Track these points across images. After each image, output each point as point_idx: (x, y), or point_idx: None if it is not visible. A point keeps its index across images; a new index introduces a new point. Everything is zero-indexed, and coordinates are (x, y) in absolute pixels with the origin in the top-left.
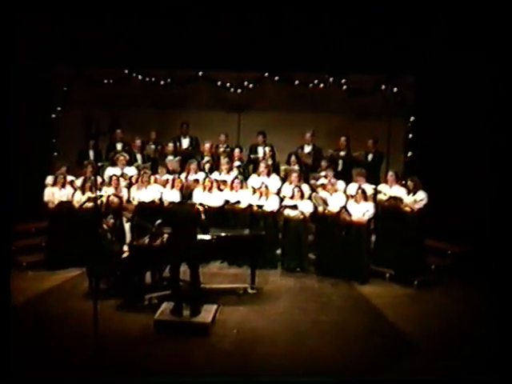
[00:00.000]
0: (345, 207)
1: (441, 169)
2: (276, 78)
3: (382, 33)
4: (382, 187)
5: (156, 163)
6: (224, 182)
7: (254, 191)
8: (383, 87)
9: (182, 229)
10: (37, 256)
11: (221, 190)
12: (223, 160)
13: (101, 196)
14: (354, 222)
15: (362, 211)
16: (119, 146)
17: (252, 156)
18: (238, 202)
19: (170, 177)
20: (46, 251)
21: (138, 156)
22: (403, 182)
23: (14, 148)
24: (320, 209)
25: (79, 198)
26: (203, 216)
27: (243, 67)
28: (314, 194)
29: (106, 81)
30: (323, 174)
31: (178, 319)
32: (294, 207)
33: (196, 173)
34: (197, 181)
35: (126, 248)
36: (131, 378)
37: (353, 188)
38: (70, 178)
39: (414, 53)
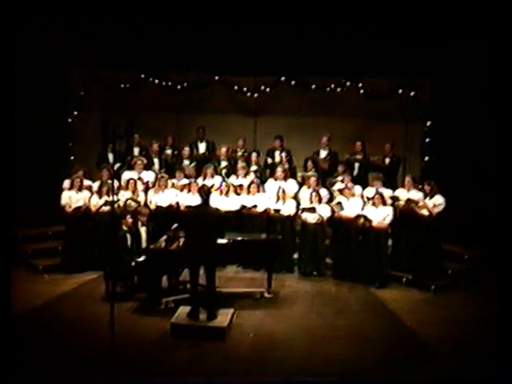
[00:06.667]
0: (363, 215)
1: (458, 173)
2: (292, 82)
3: (398, 36)
4: (399, 192)
5: (173, 168)
6: (241, 186)
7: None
8: (400, 91)
9: (201, 232)
10: (53, 260)
11: (238, 194)
12: (240, 164)
13: (118, 200)
14: (373, 226)
15: (381, 215)
16: (136, 151)
17: (269, 160)
18: (255, 206)
19: (188, 181)
20: (63, 255)
21: (156, 160)
22: (420, 186)
23: (30, 152)
24: (338, 213)
25: (96, 202)
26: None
27: (260, 71)
28: (331, 203)
29: (122, 85)
30: (340, 178)
31: (195, 323)
32: (313, 210)
33: (212, 177)
34: (213, 185)
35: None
36: (147, 381)
37: (370, 192)
38: (86, 181)
39: (430, 56)
